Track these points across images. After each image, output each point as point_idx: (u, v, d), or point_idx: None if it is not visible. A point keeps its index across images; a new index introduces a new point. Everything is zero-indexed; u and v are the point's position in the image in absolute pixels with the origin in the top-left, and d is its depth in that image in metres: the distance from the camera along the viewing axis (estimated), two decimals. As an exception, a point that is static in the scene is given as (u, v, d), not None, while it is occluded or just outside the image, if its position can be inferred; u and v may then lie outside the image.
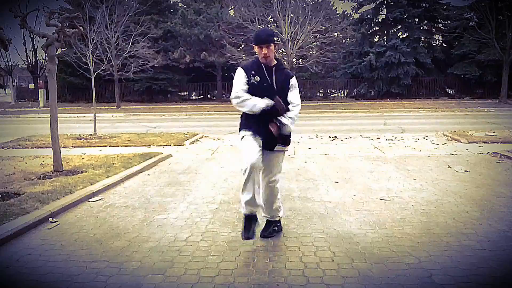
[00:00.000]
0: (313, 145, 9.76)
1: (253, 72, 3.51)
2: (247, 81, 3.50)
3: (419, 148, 9.10)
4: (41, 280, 3.00)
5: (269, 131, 3.44)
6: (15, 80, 40.74)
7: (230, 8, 29.58)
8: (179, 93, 33.53)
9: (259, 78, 3.48)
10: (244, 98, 3.46)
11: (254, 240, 3.54)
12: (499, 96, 26.04)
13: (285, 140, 3.57)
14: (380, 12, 30.97)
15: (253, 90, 3.47)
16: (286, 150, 3.73)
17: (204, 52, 27.77)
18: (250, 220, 3.44)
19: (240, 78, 3.54)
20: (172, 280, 2.96)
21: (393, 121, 15.86)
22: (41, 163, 7.18)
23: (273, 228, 3.81)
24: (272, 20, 27.52)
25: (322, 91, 33.60)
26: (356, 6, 31.78)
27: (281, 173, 3.77)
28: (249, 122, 3.53)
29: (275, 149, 3.57)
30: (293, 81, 3.60)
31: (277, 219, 3.84)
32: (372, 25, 31.59)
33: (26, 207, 4.45)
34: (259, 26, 24.52)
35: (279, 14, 24.27)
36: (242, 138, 3.57)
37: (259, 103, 3.41)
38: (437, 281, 2.88)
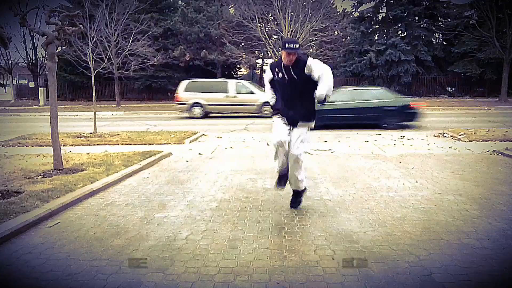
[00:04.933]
0: (313, 144, 9.75)
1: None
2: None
3: (419, 147, 9.09)
4: (41, 278, 3.01)
5: (290, 114, 4.24)
6: (15, 79, 40.73)
7: (230, 6, 29.56)
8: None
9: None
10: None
11: (254, 238, 3.57)
12: (499, 94, 26.03)
13: (307, 117, 4.28)
14: (380, 11, 30.93)
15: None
16: (310, 125, 4.35)
17: (204, 50, 27.74)
18: (281, 178, 4.45)
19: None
20: (172, 278, 2.96)
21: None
22: (42, 162, 7.18)
23: (299, 199, 4.54)
24: (272, 18, 27.48)
25: (322, 89, 33.49)
26: (356, 4, 31.74)
27: (306, 145, 4.36)
28: (276, 108, 4.39)
29: (298, 125, 4.24)
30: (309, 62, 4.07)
31: (302, 189, 4.49)
32: (372, 24, 31.55)
33: (27, 205, 4.45)
34: (259, 24, 24.51)
35: (279, 12, 24.23)
36: (273, 121, 4.42)
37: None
38: (437, 279, 2.88)
